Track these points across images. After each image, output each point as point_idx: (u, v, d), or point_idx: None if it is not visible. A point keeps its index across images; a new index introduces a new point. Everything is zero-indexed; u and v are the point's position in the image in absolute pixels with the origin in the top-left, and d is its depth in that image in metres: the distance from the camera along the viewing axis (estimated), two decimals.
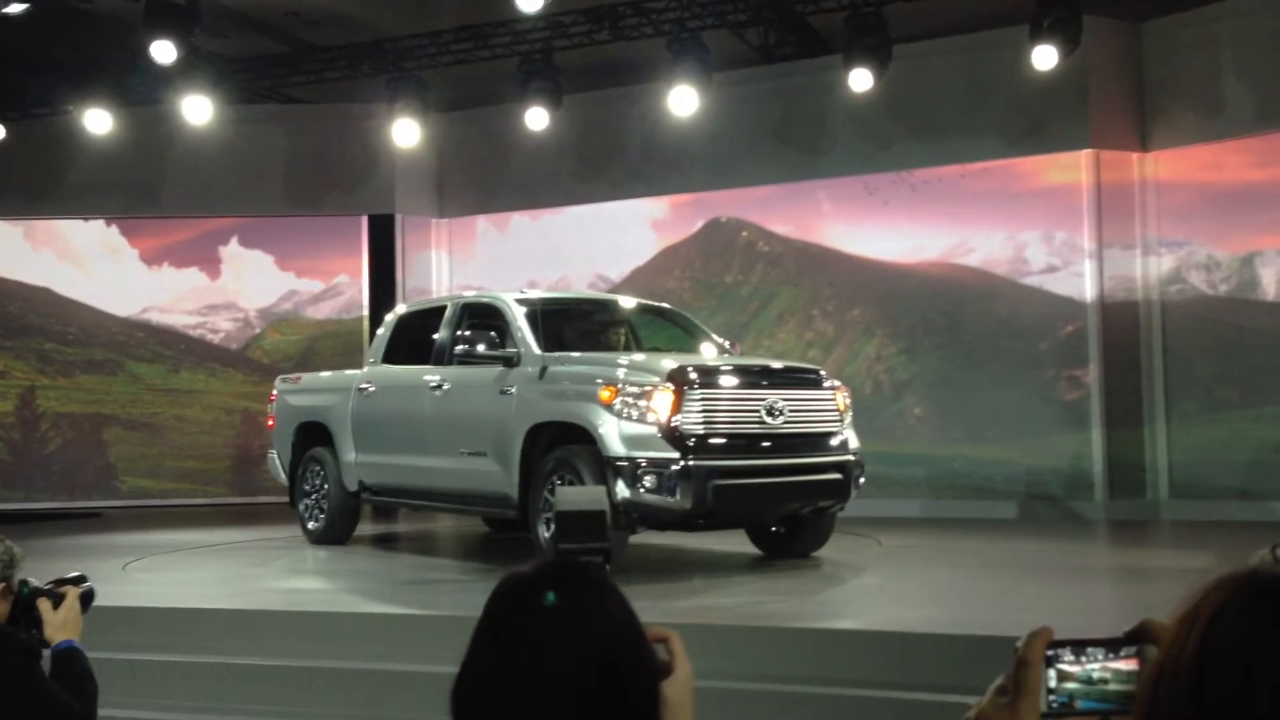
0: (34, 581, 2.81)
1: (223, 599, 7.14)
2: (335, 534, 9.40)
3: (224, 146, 13.02)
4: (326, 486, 9.37)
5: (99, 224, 13.97)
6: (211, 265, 14.07)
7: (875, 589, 7.31)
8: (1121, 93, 11.32)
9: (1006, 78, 11.16)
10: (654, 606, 5.69)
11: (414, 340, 9.06)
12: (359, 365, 10.42)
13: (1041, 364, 11.28)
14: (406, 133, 12.07)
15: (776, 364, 7.96)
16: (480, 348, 7.77)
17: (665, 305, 9.68)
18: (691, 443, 6.94)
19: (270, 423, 10.33)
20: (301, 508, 9.62)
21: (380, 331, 9.65)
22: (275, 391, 10.32)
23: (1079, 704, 1.12)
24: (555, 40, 11.61)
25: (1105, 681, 1.11)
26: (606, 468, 6.92)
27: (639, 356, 7.82)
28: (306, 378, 10.42)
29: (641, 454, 6.89)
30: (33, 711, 2.50)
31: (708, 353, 8.41)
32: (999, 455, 11.23)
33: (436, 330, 8.75)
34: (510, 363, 7.78)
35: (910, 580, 7.53)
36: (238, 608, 6.73)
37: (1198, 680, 0.89)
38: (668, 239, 12.99)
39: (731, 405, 7.17)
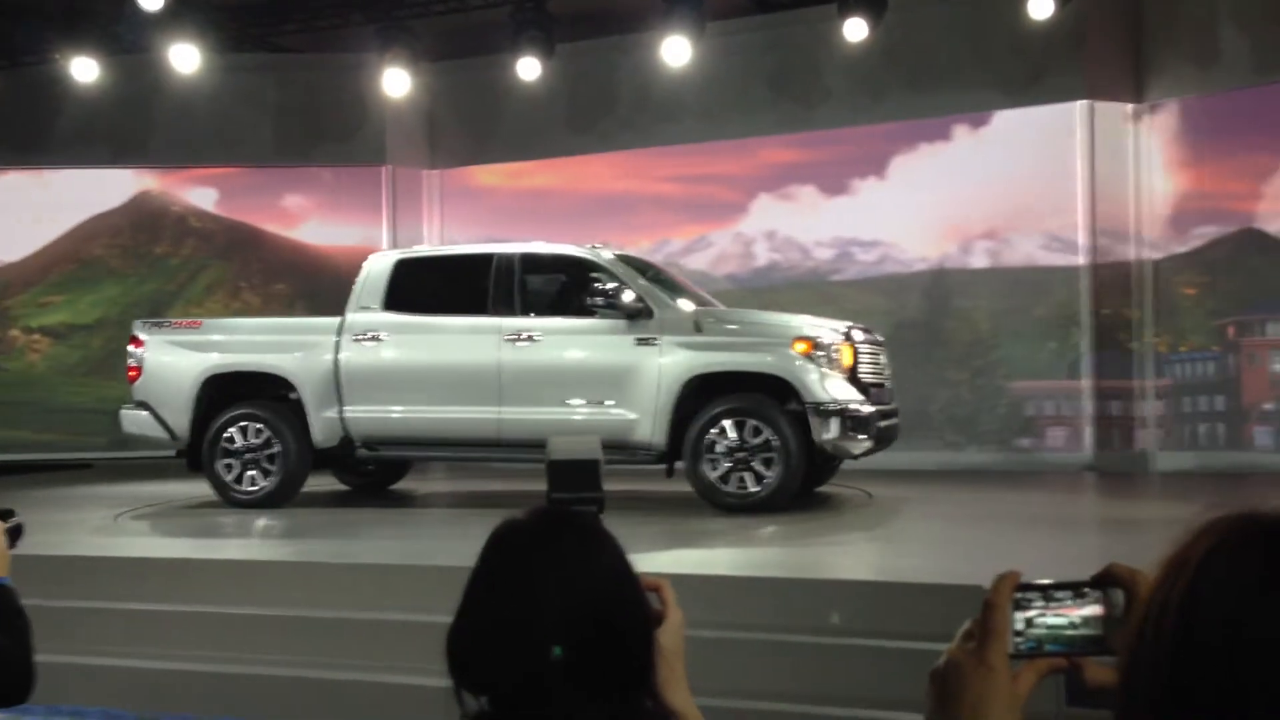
0: None
1: (216, 549, 7.17)
2: (284, 494, 8.77)
3: (211, 96, 12.88)
4: (275, 444, 8.74)
5: None
6: None
7: (865, 540, 7.39)
8: (1118, 43, 11.24)
9: (1004, 27, 11.07)
10: (642, 557, 5.71)
11: (423, 289, 8.87)
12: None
13: None
14: (397, 83, 11.95)
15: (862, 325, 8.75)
16: (627, 298, 8.16)
17: (639, 257, 9.66)
18: (868, 390, 8.06)
19: (133, 374, 9.13)
20: (223, 468, 8.82)
21: (369, 279, 8.95)
22: (142, 338, 9.15)
23: (1046, 647, 1.13)
24: None
25: (1073, 625, 1.14)
26: (811, 414, 7.75)
27: (788, 314, 8.74)
28: (213, 323, 9.57)
29: (842, 400, 7.83)
30: None
31: (688, 305, 8.51)
32: None
33: (454, 279, 8.85)
34: (634, 315, 8.16)
35: (900, 532, 7.62)
36: (232, 558, 6.77)
37: (1183, 627, 0.88)
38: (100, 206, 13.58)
39: (872, 359, 8.40)
